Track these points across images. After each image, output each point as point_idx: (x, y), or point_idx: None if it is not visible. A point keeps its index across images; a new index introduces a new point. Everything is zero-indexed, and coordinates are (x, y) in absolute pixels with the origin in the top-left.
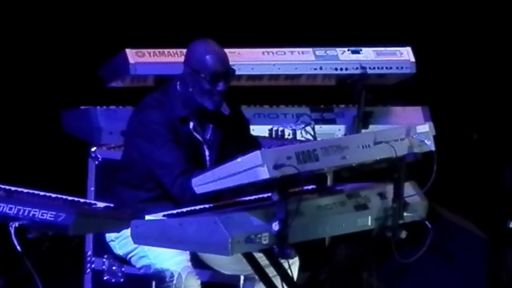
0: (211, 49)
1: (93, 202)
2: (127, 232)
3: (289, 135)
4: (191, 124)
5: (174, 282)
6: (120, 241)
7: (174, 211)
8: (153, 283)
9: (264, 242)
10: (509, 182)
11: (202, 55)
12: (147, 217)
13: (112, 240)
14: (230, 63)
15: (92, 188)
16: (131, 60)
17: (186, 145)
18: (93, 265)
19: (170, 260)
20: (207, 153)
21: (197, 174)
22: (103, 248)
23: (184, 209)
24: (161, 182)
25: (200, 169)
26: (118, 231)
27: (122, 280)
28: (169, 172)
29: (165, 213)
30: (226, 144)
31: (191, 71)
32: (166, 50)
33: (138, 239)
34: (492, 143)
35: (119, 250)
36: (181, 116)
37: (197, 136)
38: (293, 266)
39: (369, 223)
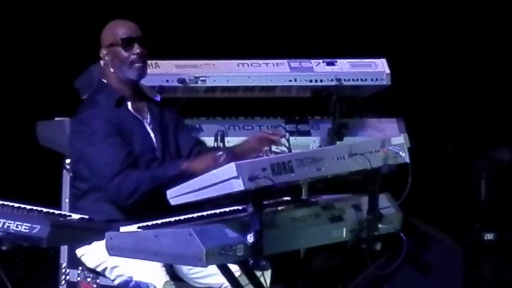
0: (117, 21)
1: (67, 213)
2: (97, 244)
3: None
4: (129, 104)
5: None
6: (91, 254)
7: (149, 223)
8: None
9: (239, 254)
10: (485, 194)
11: (110, 28)
12: (122, 229)
13: (83, 255)
14: (206, 74)
15: (67, 200)
16: None
17: (129, 125)
18: (67, 277)
19: (144, 269)
20: (151, 133)
21: (132, 173)
22: (77, 259)
23: (159, 221)
24: (98, 180)
25: (136, 169)
26: (93, 242)
27: None
28: (107, 171)
29: (140, 224)
30: (165, 126)
31: (105, 50)
32: None
33: (113, 250)
34: (468, 156)
35: (91, 263)
36: (117, 98)
37: (137, 115)
38: (265, 276)
39: (344, 235)
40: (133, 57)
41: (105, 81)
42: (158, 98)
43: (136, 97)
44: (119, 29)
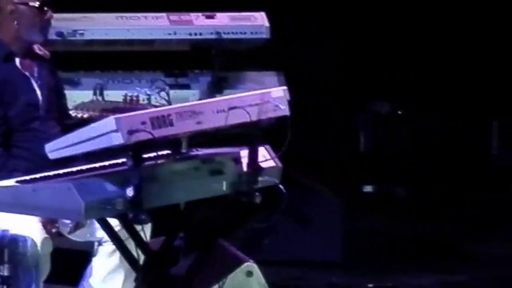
0: None
1: None
2: None
3: (143, 100)
4: (17, 60)
5: (29, 247)
6: None
7: (28, 177)
8: (6, 250)
9: (118, 208)
10: (364, 147)
11: None
12: None
13: None
14: (84, 28)
15: None
16: None
17: (16, 82)
18: None
19: (21, 224)
20: (38, 90)
21: None
22: None
23: (38, 175)
24: None
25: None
26: None
27: None
28: None
29: (18, 179)
30: (52, 85)
31: (14, 6)
32: None
33: None
34: (347, 108)
35: None
36: (5, 55)
37: (25, 72)
38: (145, 230)
39: (224, 188)
40: (45, 22)
41: None
42: (47, 56)
43: (26, 55)
44: None
